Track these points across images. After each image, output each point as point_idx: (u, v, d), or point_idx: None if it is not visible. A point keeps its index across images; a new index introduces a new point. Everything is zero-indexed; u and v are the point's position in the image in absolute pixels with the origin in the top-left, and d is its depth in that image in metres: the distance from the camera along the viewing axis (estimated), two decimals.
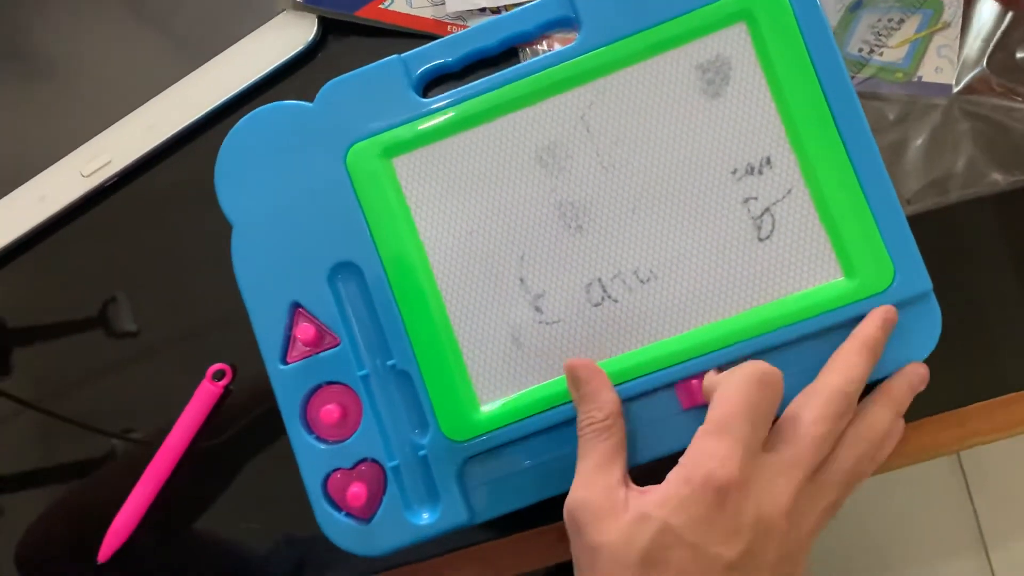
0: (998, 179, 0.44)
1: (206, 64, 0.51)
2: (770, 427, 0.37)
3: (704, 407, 0.38)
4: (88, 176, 0.51)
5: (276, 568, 0.49)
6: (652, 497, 0.36)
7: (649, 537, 0.35)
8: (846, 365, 0.38)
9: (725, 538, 0.35)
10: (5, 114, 0.53)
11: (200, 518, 0.50)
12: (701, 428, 0.37)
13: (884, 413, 0.39)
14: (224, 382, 0.49)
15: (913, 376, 0.40)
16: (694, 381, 0.41)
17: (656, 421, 0.42)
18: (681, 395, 0.41)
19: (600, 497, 0.37)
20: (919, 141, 0.45)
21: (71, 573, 0.50)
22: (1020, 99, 0.44)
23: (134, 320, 0.51)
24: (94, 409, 0.51)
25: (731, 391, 0.36)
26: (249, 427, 0.50)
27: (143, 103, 0.51)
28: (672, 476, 0.36)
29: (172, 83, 0.51)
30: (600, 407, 0.39)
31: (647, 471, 0.40)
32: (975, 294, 0.44)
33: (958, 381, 0.45)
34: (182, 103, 0.51)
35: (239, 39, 0.51)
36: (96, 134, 0.52)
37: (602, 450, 0.38)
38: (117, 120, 0.51)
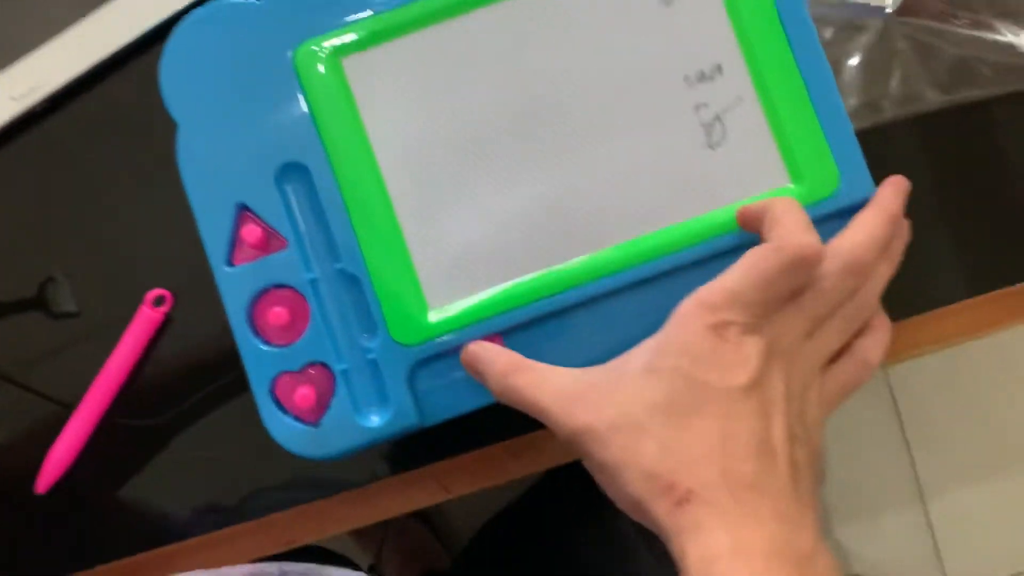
0: (932, 98, 0.46)
1: None
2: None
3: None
4: (17, 99, 0.49)
5: (216, 503, 0.48)
6: (640, 354, 0.36)
7: (665, 388, 0.36)
8: (864, 227, 0.39)
9: (736, 366, 0.35)
10: None
11: (141, 456, 0.49)
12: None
13: (884, 268, 0.40)
14: (164, 308, 0.47)
15: (902, 228, 0.41)
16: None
17: (604, 324, 0.42)
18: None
19: (593, 383, 0.37)
20: (854, 61, 0.46)
21: (9, 506, 0.49)
22: (953, 21, 0.46)
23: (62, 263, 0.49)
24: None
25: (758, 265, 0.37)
26: (197, 368, 0.49)
27: (76, 22, 0.49)
28: (668, 326, 0.37)
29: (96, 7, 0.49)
30: (494, 368, 0.39)
31: None
32: (909, 210, 0.46)
33: (888, 296, 0.47)
34: (112, 26, 0.49)
35: None
36: (24, 56, 0.49)
37: (535, 376, 0.38)
38: (47, 41, 0.49)
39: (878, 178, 0.42)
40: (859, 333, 0.40)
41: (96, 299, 0.49)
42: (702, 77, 0.42)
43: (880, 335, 0.40)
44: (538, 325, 0.42)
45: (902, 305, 0.47)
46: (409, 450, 0.49)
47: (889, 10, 0.46)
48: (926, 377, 1.18)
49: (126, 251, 0.50)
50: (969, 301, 0.46)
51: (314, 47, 0.42)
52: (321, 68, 0.42)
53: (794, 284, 0.37)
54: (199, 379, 0.49)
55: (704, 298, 0.37)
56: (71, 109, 0.50)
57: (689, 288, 0.38)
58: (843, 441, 1.19)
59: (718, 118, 0.42)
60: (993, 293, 0.47)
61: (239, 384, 0.43)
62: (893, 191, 0.40)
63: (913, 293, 0.47)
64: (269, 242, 0.42)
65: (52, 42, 0.49)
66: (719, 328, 0.36)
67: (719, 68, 0.42)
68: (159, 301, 0.48)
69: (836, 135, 0.42)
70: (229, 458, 0.49)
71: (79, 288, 0.49)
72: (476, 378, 0.41)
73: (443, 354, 0.42)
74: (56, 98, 0.49)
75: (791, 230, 0.37)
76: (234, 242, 0.42)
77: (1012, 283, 0.47)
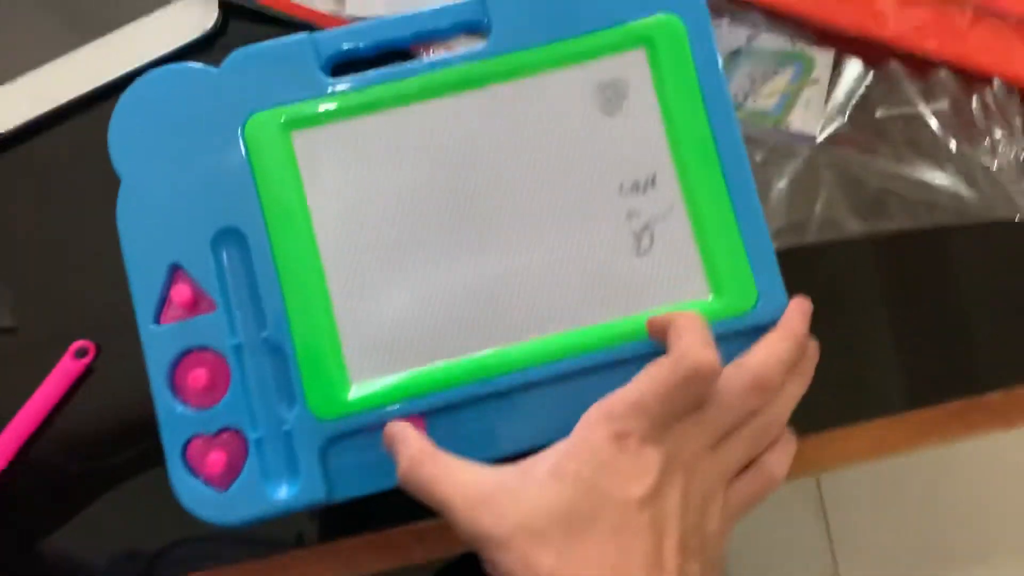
0: (853, 226, 0.48)
1: (102, 39, 0.50)
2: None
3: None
4: None
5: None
6: (548, 456, 0.37)
7: (568, 495, 0.36)
8: (770, 348, 0.40)
9: (633, 477, 0.36)
10: None
11: (45, 505, 0.48)
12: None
13: (794, 388, 0.41)
14: (86, 360, 0.47)
15: (811, 348, 0.42)
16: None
17: (522, 416, 0.43)
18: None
19: (494, 485, 0.37)
20: (782, 184, 0.48)
21: None
22: (876, 154, 0.49)
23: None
24: None
25: (656, 377, 0.38)
26: (115, 421, 0.48)
27: (31, 70, 0.50)
28: (576, 431, 0.38)
29: (64, 54, 0.50)
30: (404, 452, 0.39)
31: None
32: (825, 329, 0.48)
33: (801, 410, 0.48)
34: (71, 75, 0.49)
35: (140, 17, 0.50)
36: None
37: (441, 470, 0.38)
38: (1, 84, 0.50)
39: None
40: (767, 447, 0.41)
41: (36, 321, 0.49)
42: (636, 187, 0.44)
43: (786, 450, 0.42)
44: (457, 411, 0.43)
45: (832, 414, 0.49)
46: (324, 521, 0.49)
47: (819, 140, 0.49)
48: (856, 487, 1.19)
49: (66, 288, 0.50)
50: (872, 422, 0.48)
51: (266, 118, 0.43)
52: (271, 139, 0.43)
53: (693, 397, 0.38)
54: (118, 432, 0.48)
55: (608, 406, 0.38)
56: (17, 153, 0.50)
57: (606, 389, 0.39)
58: (768, 545, 1.19)
59: (647, 227, 0.44)
60: (915, 412, 0.49)
61: (157, 441, 0.42)
62: (798, 313, 0.42)
63: (842, 404, 0.49)
64: (198, 304, 0.42)
65: (6, 86, 0.50)
66: (620, 437, 0.37)
67: (653, 180, 0.44)
68: (81, 352, 0.47)
69: (757, 254, 0.43)
70: (144, 511, 0.48)
71: (20, 305, 0.49)
72: (393, 458, 0.41)
73: (359, 431, 0.42)
74: (27, 128, 0.50)
75: (691, 344, 0.38)
76: (163, 301, 0.42)
77: (926, 403, 0.49)
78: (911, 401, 0.49)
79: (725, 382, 0.39)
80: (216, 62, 0.44)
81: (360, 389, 0.42)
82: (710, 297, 0.43)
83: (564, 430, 0.39)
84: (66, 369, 0.47)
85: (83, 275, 0.49)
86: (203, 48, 0.50)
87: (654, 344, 0.42)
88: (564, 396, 0.43)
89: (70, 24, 0.50)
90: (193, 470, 0.42)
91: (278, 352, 0.42)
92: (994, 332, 0.50)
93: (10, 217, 0.50)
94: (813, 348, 0.43)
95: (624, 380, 0.40)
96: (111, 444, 0.48)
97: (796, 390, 0.42)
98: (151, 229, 0.42)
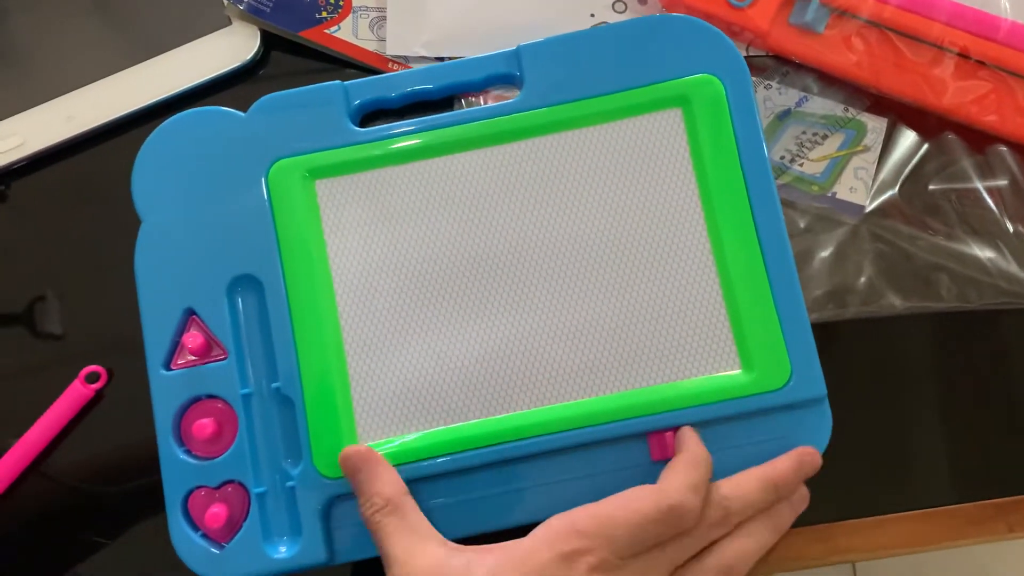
0: (895, 303, 0.46)
1: (141, 64, 0.50)
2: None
3: None
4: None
5: None
6: (496, 557, 0.35)
7: None
8: (741, 487, 0.38)
9: None
10: None
11: (44, 527, 0.47)
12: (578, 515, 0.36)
13: (765, 534, 0.39)
14: (97, 385, 0.47)
15: (796, 498, 0.40)
16: (665, 434, 0.41)
17: (526, 485, 0.41)
18: (653, 446, 0.41)
19: (435, 566, 0.36)
20: (825, 253, 0.46)
21: None
22: (926, 229, 0.46)
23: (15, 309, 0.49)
24: None
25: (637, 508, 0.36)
26: (122, 444, 0.48)
27: (69, 91, 0.50)
28: (531, 536, 0.36)
29: (103, 76, 0.50)
30: (380, 491, 0.38)
31: None
32: (863, 410, 0.45)
33: (828, 497, 0.46)
34: (109, 98, 0.49)
35: (181, 45, 0.50)
36: (14, 115, 0.50)
37: (405, 526, 0.37)
38: (39, 104, 0.50)
39: (829, 373, 0.41)
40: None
41: (47, 340, 0.49)
42: (666, 251, 0.42)
43: None
44: (466, 476, 0.41)
45: (843, 507, 0.46)
46: None
47: (867, 210, 0.46)
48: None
49: (80, 311, 0.49)
50: (908, 514, 0.45)
51: (291, 165, 0.42)
52: (295, 186, 0.42)
53: (662, 536, 0.36)
54: (119, 465, 0.48)
55: (574, 518, 0.36)
56: (48, 173, 0.50)
57: (622, 461, 0.39)
58: None
59: (677, 294, 0.42)
60: (932, 510, 0.46)
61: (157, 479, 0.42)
62: (792, 463, 0.40)
63: (876, 491, 0.46)
64: (209, 350, 0.42)
65: (44, 105, 0.50)
66: (572, 558, 0.35)
67: (684, 245, 0.42)
68: (93, 378, 0.47)
69: (793, 328, 0.41)
70: (133, 548, 0.47)
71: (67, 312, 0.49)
72: (351, 484, 0.39)
73: None
74: (35, 160, 0.50)
75: (681, 484, 0.37)
76: (175, 346, 0.42)
77: (965, 500, 0.46)
78: (951, 495, 0.46)
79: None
80: (255, 92, 0.43)
81: None
82: (740, 371, 0.41)
83: (576, 501, 0.37)
84: (76, 393, 0.46)
85: (100, 299, 0.49)
86: (243, 77, 0.50)
87: (676, 417, 0.41)
88: (578, 466, 0.41)
89: (114, 48, 0.51)
90: (193, 522, 0.41)
91: (288, 405, 0.41)
92: None
93: (33, 237, 0.49)
94: (799, 498, 0.41)
95: (642, 453, 0.39)
96: (115, 473, 0.48)
97: (768, 538, 0.39)
98: (168, 272, 0.42)
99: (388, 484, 0.38)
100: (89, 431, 0.48)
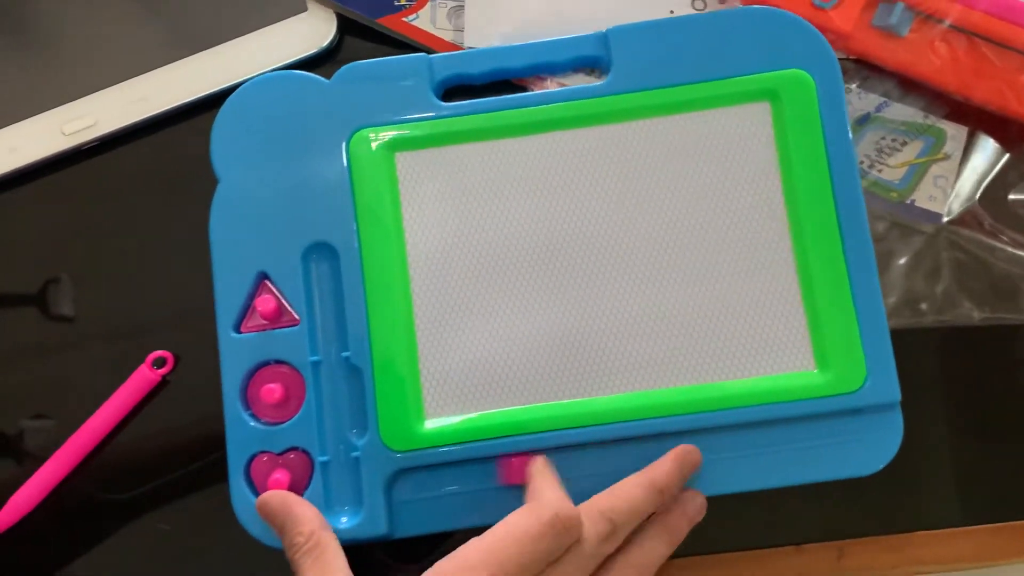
0: (972, 313, 0.45)
1: (215, 47, 0.50)
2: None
3: None
4: (69, 135, 0.49)
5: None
6: None
7: None
8: (621, 495, 0.37)
9: None
10: None
11: (109, 511, 0.47)
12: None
13: (658, 545, 0.38)
14: (163, 371, 0.46)
15: (691, 507, 0.40)
16: (513, 459, 0.40)
17: (587, 472, 0.40)
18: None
19: None
20: (902, 260, 0.46)
21: None
22: (1005, 239, 0.46)
23: (72, 301, 0.48)
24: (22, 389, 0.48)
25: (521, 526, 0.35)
26: (186, 430, 0.47)
27: (142, 73, 0.50)
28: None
29: (177, 60, 0.50)
30: (300, 529, 0.37)
31: None
32: (932, 420, 0.44)
33: (899, 507, 0.45)
34: (182, 81, 0.49)
35: (257, 29, 0.50)
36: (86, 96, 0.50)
37: (324, 562, 0.36)
38: (111, 86, 0.50)
39: (903, 380, 0.40)
40: None
41: (112, 325, 0.48)
42: (746, 245, 0.41)
43: None
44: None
45: (913, 517, 0.45)
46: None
47: (945, 219, 0.46)
48: None
49: (145, 295, 0.49)
50: (980, 527, 0.44)
51: (372, 135, 0.42)
52: (375, 157, 0.42)
53: (552, 551, 0.35)
54: (183, 450, 0.47)
55: (462, 557, 0.34)
56: (118, 154, 0.50)
57: None
58: None
59: (755, 288, 0.41)
60: (1004, 524, 0.45)
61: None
62: (674, 463, 0.39)
63: (926, 507, 0.45)
64: (281, 315, 0.41)
65: (116, 87, 0.50)
66: None
67: (765, 240, 0.41)
68: (160, 363, 0.46)
69: (871, 332, 0.40)
70: (196, 536, 0.47)
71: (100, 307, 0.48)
72: (272, 528, 0.38)
73: (429, 466, 0.40)
74: (106, 141, 0.50)
75: (554, 494, 0.37)
76: (246, 309, 0.41)
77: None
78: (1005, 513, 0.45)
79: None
80: (328, 77, 0.43)
81: (435, 423, 0.40)
82: (815, 371, 0.41)
83: None
84: (143, 378, 0.46)
85: (164, 283, 0.49)
86: (318, 63, 0.50)
87: (743, 414, 0.40)
88: (640, 458, 0.40)
89: (191, 32, 0.50)
90: (255, 488, 0.40)
91: (356, 375, 0.41)
92: None
93: (103, 218, 0.49)
94: (694, 507, 0.40)
95: (709, 447, 0.39)
96: (178, 457, 0.47)
97: (663, 549, 0.38)
98: (243, 234, 0.42)
99: (308, 518, 0.37)
100: (155, 416, 0.47)
